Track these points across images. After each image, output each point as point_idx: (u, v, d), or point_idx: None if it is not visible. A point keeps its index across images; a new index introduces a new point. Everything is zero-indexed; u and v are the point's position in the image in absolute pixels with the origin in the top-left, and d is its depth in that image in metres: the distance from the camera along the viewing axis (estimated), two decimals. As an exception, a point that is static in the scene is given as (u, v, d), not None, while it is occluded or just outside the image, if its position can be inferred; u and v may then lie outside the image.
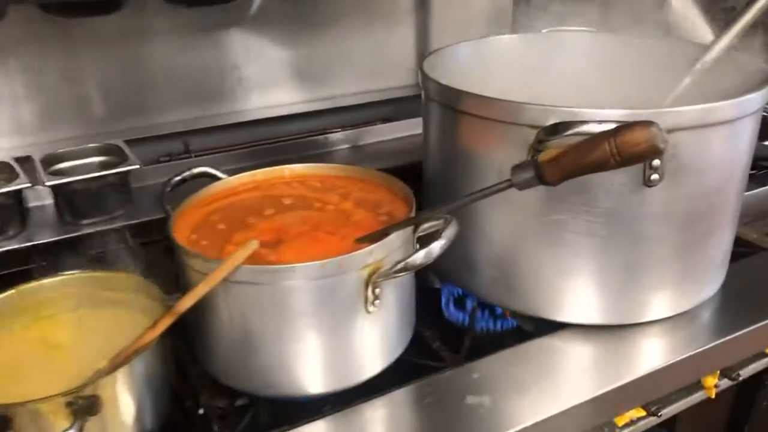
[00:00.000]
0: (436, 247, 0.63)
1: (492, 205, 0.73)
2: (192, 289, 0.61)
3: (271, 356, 0.65)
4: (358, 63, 1.40)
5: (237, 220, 0.73)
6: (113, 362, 0.60)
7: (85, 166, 1.06)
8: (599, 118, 0.66)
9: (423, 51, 1.44)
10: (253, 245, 0.61)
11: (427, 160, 0.87)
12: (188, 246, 0.66)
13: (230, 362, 0.68)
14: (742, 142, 0.75)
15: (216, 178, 0.82)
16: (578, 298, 0.77)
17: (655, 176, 0.68)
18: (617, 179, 0.69)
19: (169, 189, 0.78)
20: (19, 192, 0.98)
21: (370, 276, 0.64)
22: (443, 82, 0.93)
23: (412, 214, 0.70)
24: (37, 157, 1.05)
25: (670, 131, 0.66)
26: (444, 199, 0.84)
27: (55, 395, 0.55)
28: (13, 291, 0.68)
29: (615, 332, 0.78)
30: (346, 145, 1.37)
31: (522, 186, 0.59)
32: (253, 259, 0.65)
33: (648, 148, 0.50)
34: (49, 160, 1.06)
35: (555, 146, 0.66)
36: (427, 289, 0.91)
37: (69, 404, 0.55)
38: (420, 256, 0.63)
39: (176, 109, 1.24)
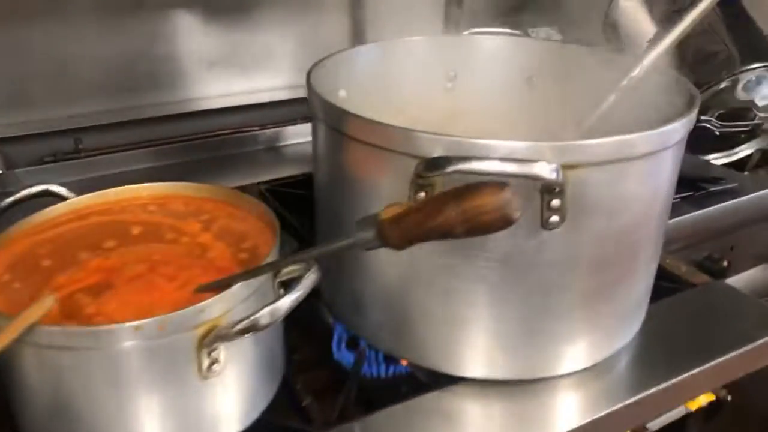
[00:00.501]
0: (285, 303, 0.53)
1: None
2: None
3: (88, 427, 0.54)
4: (283, 55, 1.28)
5: (67, 255, 0.62)
6: None
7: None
8: (488, 153, 0.55)
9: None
10: (48, 302, 0.49)
11: (316, 182, 0.76)
12: (-16, 294, 0.55)
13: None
14: (661, 176, 0.65)
15: (61, 198, 0.70)
16: (475, 351, 0.67)
17: (554, 218, 0.58)
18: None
19: (-6, 213, 0.66)
20: None
21: (203, 338, 0.53)
22: (342, 93, 0.83)
23: (270, 259, 0.59)
24: None
25: (573, 167, 0.57)
26: (331, 229, 0.74)
27: None
28: None
29: (519, 388, 0.69)
30: (262, 146, 1.26)
31: (365, 247, 0.48)
32: (69, 309, 0.54)
33: (498, 218, 0.39)
34: None
35: (440, 185, 0.57)
36: (320, 321, 0.81)
37: None
38: (264, 316, 0.52)
39: (66, 102, 1.10)
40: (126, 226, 0.67)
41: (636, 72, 0.75)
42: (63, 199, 0.70)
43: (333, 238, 0.51)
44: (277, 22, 1.22)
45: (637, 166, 0.61)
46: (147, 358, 0.52)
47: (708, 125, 1.21)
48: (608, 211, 0.61)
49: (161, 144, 1.18)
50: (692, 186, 1.06)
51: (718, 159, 1.25)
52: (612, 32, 1.41)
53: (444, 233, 0.41)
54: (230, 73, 1.21)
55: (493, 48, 0.91)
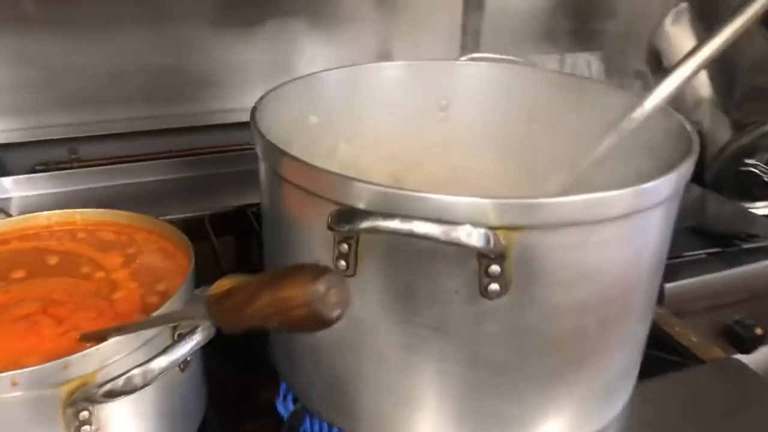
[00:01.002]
0: (160, 364, 0.46)
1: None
2: None
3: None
4: (290, 71, 1.22)
5: (-33, 285, 0.57)
6: None
7: None
8: (414, 209, 0.47)
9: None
10: None
11: (263, 219, 0.69)
12: None
13: None
14: (644, 239, 0.54)
15: (-9, 217, 0.66)
16: (413, 427, 0.58)
17: (494, 286, 0.49)
18: (446, 283, 0.50)
19: None
20: None
21: (68, 396, 0.47)
22: (312, 119, 0.76)
23: (169, 308, 0.52)
24: None
25: (521, 229, 0.48)
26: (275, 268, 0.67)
27: None
28: None
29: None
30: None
31: (198, 323, 0.41)
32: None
33: (308, 314, 0.31)
34: None
35: (365, 242, 0.49)
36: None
37: None
38: (134, 377, 0.45)
39: (61, 110, 1.08)
40: (45, 254, 0.62)
41: (636, 113, 0.64)
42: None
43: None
44: (286, 39, 1.16)
45: (610, 230, 0.51)
46: (3, 415, 0.46)
47: (754, 170, 1.07)
48: (570, 281, 0.51)
49: (160, 158, 1.14)
50: (723, 241, 0.93)
51: (764, 208, 1.11)
52: (655, 59, 1.28)
53: (261, 323, 0.33)
54: (234, 89, 1.16)
55: (491, 76, 0.81)
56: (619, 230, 0.51)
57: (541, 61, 1.36)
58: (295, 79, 0.74)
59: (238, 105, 1.17)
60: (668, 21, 1.22)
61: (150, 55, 1.09)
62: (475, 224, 0.46)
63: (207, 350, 0.59)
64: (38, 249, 0.63)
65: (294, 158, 0.54)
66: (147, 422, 0.53)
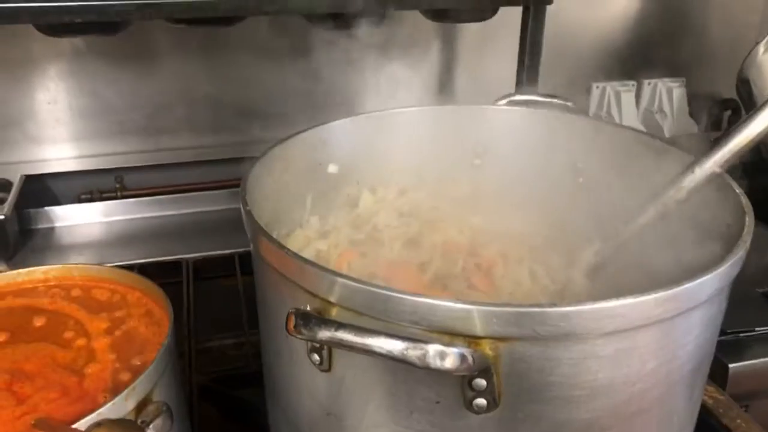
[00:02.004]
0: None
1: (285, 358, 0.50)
2: None
3: None
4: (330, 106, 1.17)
5: (-53, 349, 0.55)
6: None
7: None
8: (387, 311, 0.40)
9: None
10: None
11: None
12: None
13: None
14: (678, 345, 0.45)
15: (-9, 270, 0.65)
16: None
17: (480, 401, 0.42)
18: (424, 391, 0.43)
19: None
20: None
21: (5, 495, 0.44)
22: (332, 168, 0.71)
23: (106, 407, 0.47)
24: None
25: (514, 340, 0.40)
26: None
27: None
28: None
29: None
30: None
31: None
32: None
33: None
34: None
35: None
36: None
37: None
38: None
39: (109, 140, 1.09)
40: (32, 314, 0.60)
41: (686, 180, 0.55)
42: (-6, 271, 0.64)
43: None
44: (333, 71, 1.12)
45: (626, 342, 0.42)
46: None
47: None
48: (575, 397, 0.43)
49: (203, 188, 1.12)
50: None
51: None
52: (746, 89, 1.14)
53: None
54: (278, 119, 1.13)
55: (533, 123, 0.73)
56: (639, 342, 0.43)
57: (614, 90, 1.25)
58: (312, 127, 0.69)
59: (282, 135, 1.14)
60: (761, 49, 1.08)
61: (195, 86, 1.08)
62: (456, 333, 0.40)
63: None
64: (29, 308, 0.61)
65: (270, 239, 0.49)
66: None
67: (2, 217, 0.89)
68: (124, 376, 0.53)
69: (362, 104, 0.79)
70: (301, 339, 0.41)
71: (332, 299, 0.43)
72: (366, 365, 0.45)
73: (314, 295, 0.44)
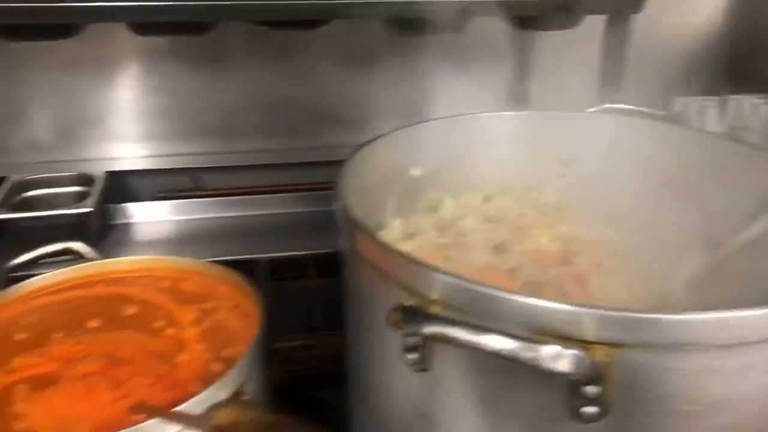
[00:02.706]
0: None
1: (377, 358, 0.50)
2: None
3: None
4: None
5: (43, 332, 0.57)
6: None
7: (46, 199, 0.97)
8: (493, 313, 0.39)
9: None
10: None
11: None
12: None
13: None
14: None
15: (81, 257, 0.66)
16: None
17: (589, 409, 0.40)
18: (529, 398, 0.42)
19: (6, 272, 0.63)
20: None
21: (104, 476, 0.44)
22: (415, 171, 0.71)
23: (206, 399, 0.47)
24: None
25: (623, 346, 0.39)
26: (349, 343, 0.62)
27: None
28: None
29: None
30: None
31: None
32: (1, 402, 0.49)
33: None
34: (21, 185, 0.99)
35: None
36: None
37: None
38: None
39: (187, 140, 1.11)
40: (123, 303, 0.61)
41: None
42: (84, 259, 0.66)
43: None
44: (410, 77, 1.11)
45: (753, 356, 0.40)
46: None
47: None
48: (694, 411, 0.41)
49: (277, 191, 1.13)
50: None
51: None
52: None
53: None
54: (354, 124, 1.13)
55: (624, 131, 0.71)
56: (763, 356, 0.40)
57: (697, 106, 1.21)
58: (399, 129, 0.68)
59: (357, 140, 1.14)
60: None
61: (270, 90, 1.09)
62: (566, 337, 0.38)
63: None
64: (118, 296, 0.62)
65: (369, 235, 0.48)
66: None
67: (88, 210, 0.92)
68: (215, 367, 0.53)
69: (437, 111, 0.79)
70: (403, 335, 0.41)
71: (434, 296, 0.42)
72: (466, 366, 0.44)
73: (414, 292, 0.44)
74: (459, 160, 0.72)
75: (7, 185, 0.97)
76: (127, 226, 1.06)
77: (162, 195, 1.10)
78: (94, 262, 0.64)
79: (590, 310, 0.38)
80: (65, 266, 0.63)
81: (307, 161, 1.14)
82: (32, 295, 0.61)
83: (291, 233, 1.05)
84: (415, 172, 0.70)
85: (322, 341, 0.82)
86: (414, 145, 0.69)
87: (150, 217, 1.08)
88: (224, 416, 0.31)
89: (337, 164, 1.14)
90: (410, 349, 0.45)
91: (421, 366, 0.45)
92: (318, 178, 1.15)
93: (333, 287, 1.00)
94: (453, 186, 0.73)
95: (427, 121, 0.70)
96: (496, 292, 0.40)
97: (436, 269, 0.42)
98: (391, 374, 0.49)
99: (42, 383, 0.51)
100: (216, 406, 0.32)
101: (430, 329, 0.38)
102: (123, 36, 0.94)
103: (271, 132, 1.12)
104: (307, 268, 0.94)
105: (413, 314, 0.40)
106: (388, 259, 0.45)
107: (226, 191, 1.12)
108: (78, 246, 0.66)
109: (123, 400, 0.49)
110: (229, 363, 0.53)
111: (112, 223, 1.05)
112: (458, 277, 0.41)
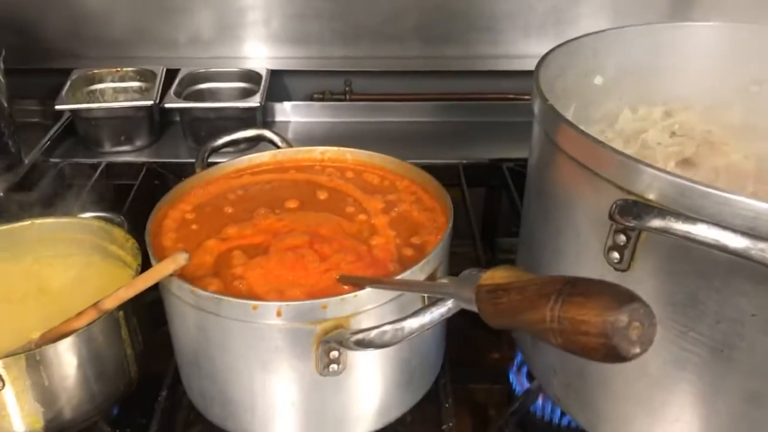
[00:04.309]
0: (411, 325, 0.45)
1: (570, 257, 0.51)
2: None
3: (212, 384, 0.55)
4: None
5: (248, 207, 0.62)
6: (41, 339, 0.55)
7: (216, 92, 1.03)
8: (720, 213, 0.39)
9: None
10: (180, 260, 0.49)
11: (527, 182, 0.64)
12: (154, 233, 0.57)
13: (186, 375, 0.59)
14: None
15: (274, 145, 0.70)
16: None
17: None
18: (740, 302, 0.42)
19: (207, 153, 0.68)
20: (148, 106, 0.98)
21: (322, 335, 0.48)
22: (598, 79, 0.69)
23: (408, 273, 0.51)
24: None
25: None
26: (530, 235, 0.63)
27: (-43, 362, 0.51)
28: (28, 222, 0.67)
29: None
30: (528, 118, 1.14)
31: (462, 306, 0.37)
32: (222, 264, 0.54)
33: (599, 346, 0.25)
34: (191, 78, 1.04)
35: (645, 239, 0.43)
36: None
37: (-31, 374, 0.51)
38: (385, 333, 0.46)
39: (340, 43, 1.13)
40: (316, 188, 0.65)
41: None
42: (276, 146, 0.70)
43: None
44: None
45: None
46: (265, 338, 0.49)
47: None
48: None
49: (426, 99, 1.14)
50: None
51: None
52: None
53: (536, 333, 0.29)
54: (508, 35, 1.11)
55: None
56: None
57: None
58: (588, 35, 0.67)
59: (511, 52, 1.13)
60: None
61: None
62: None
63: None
64: (310, 182, 0.66)
65: (574, 128, 0.49)
66: (389, 371, 0.54)
67: (256, 104, 0.96)
68: (407, 252, 0.56)
69: (598, 24, 0.76)
70: (628, 227, 0.41)
71: (651, 196, 0.43)
72: (676, 267, 0.44)
73: (628, 191, 0.44)
74: (642, 71, 0.70)
75: (179, 77, 1.03)
76: (284, 124, 1.11)
77: (318, 96, 1.13)
78: (286, 149, 0.69)
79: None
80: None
81: (460, 70, 1.13)
82: (233, 175, 0.66)
83: (439, 141, 1.07)
84: (598, 80, 0.69)
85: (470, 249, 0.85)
86: (599, 53, 0.68)
87: (304, 116, 1.12)
88: (488, 277, 0.33)
89: (488, 75, 1.14)
90: (615, 248, 0.46)
91: (623, 266, 0.47)
92: (468, 88, 1.15)
93: (482, 196, 1.03)
94: (632, 98, 0.71)
95: (616, 28, 0.68)
96: (723, 193, 0.40)
97: (656, 168, 0.42)
98: (587, 273, 0.50)
99: (254, 252, 0.56)
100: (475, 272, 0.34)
101: (663, 224, 0.39)
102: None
103: (426, 39, 1.12)
104: (458, 176, 0.96)
105: (641, 209, 0.40)
106: (599, 156, 0.46)
107: (376, 96, 1.14)
108: (270, 134, 0.70)
109: (330, 272, 0.53)
110: (419, 250, 0.57)
111: (271, 120, 1.11)
112: (681, 176, 0.41)
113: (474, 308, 0.35)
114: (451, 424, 0.59)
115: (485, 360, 0.75)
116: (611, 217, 0.42)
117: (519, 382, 0.67)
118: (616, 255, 0.46)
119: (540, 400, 0.64)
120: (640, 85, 0.71)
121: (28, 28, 1.10)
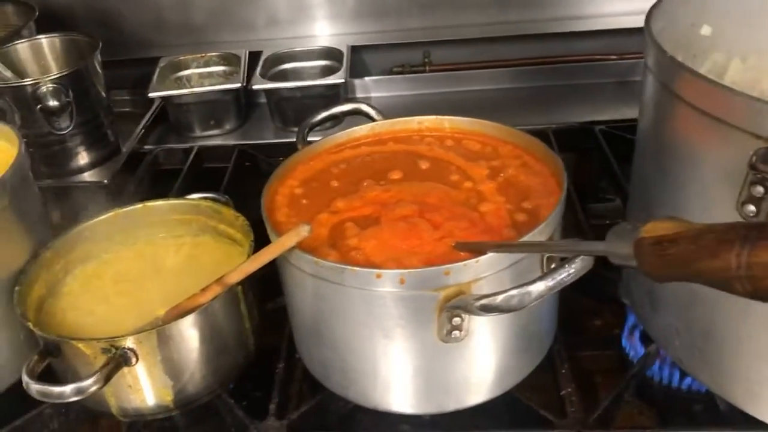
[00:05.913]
0: (537, 288, 0.45)
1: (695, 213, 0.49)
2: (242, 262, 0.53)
3: (333, 353, 0.56)
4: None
5: (354, 180, 0.62)
6: (167, 315, 0.57)
7: (298, 71, 1.04)
8: None
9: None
10: (303, 232, 0.49)
11: (638, 137, 0.62)
12: (268, 208, 0.58)
13: (305, 345, 0.60)
14: None
15: (370, 118, 0.70)
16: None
17: None
18: None
19: (307, 129, 0.69)
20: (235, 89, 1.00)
21: (445, 301, 0.48)
22: (705, 30, 0.67)
23: (544, 231, 0.50)
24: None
25: None
26: (642, 195, 0.61)
27: (93, 339, 0.54)
28: (140, 206, 0.69)
29: None
30: (615, 79, 1.10)
31: (616, 262, 0.36)
32: (336, 236, 0.55)
33: None
34: (274, 59, 1.05)
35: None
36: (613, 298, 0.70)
37: (104, 350, 0.53)
38: (512, 297, 0.45)
39: (417, 14, 1.11)
40: (417, 158, 0.65)
41: None
42: (371, 119, 0.70)
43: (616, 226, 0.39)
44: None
45: None
46: (387, 306, 0.50)
47: None
48: None
49: (509, 65, 1.11)
50: None
51: None
52: None
53: (716, 283, 0.28)
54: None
55: None
56: None
57: None
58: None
59: (591, 12, 1.09)
60: None
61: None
62: None
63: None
64: (411, 152, 0.66)
65: (700, 76, 0.47)
66: (508, 338, 0.54)
67: (341, 81, 0.97)
68: (520, 217, 0.56)
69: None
70: (764, 177, 0.40)
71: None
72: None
73: (759, 138, 0.42)
74: (752, 20, 0.67)
75: (262, 58, 1.04)
76: (366, 100, 1.10)
77: (398, 70, 1.13)
78: (383, 122, 0.69)
79: None
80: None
81: (537, 33, 1.10)
82: (334, 150, 0.67)
83: (524, 107, 1.04)
84: (705, 30, 0.66)
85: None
86: (706, 2, 0.65)
87: (385, 91, 1.12)
88: (650, 229, 0.32)
89: (569, 36, 1.10)
90: (752, 200, 0.44)
91: (763, 218, 0.45)
92: (548, 51, 1.12)
93: (573, 162, 1.00)
94: (741, 48, 0.67)
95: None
96: None
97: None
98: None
99: (366, 223, 0.56)
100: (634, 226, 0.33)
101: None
102: None
103: (504, 3, 1.09)
104: (549, 141, 0.94)
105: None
106: (732, 104, 0.44)
107: (456, 66, 1.13)
108: (366, 107, 0.70)
109: (445, 240, 0.53)
110: (532, 214, 0.56)
111: (351, 96, 1.11)
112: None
113: (630, 263, 0.34)
114: (570, 389, 0.58)
115: (589, 327, 0.74)
116: (753, 166, 0.40)
117: (633, 347, 0.66)
118: (752, 208, 0.44)
119: (657, 364, 0.63)
120: (750, 35, 0.67)
121: (112, 20, 1.14)
